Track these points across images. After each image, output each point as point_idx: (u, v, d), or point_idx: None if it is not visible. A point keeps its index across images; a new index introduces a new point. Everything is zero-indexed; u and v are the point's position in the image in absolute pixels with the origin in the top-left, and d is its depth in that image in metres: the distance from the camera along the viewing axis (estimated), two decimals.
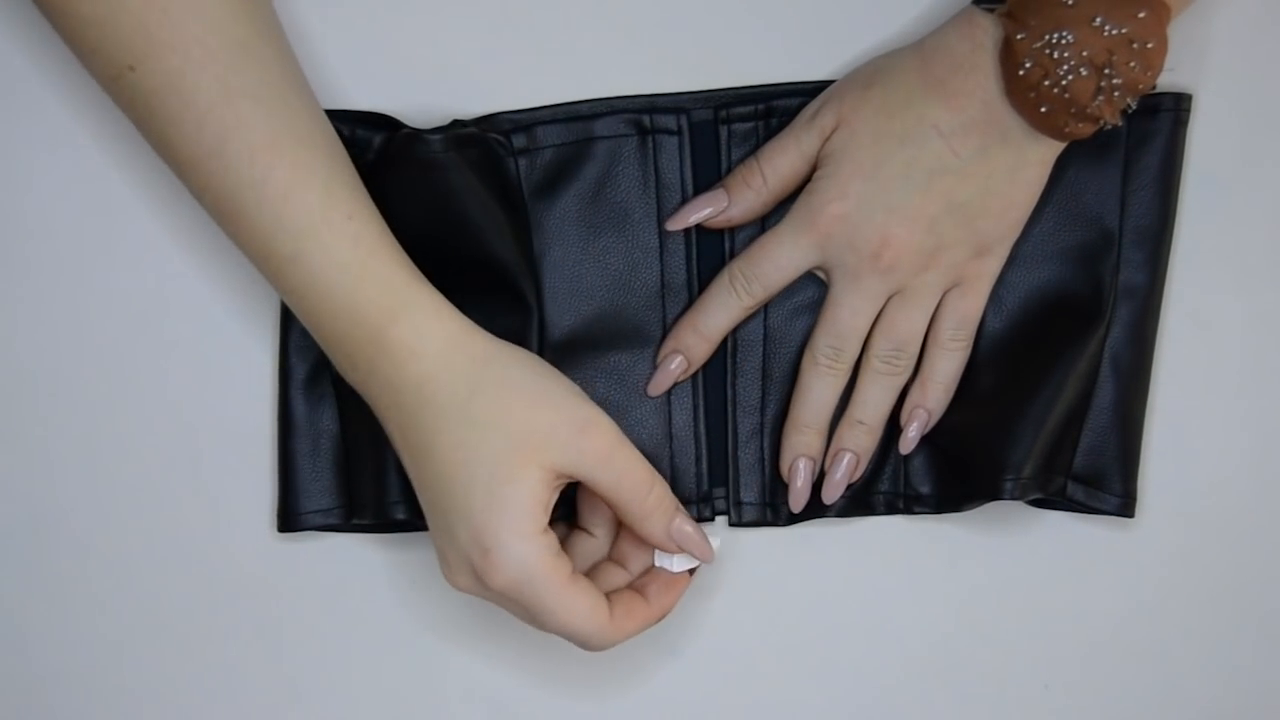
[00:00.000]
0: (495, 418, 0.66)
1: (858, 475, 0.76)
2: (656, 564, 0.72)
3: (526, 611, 0.67)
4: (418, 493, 0.68)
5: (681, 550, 0.71)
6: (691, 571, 0.73)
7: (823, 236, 0.72)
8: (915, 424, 0.75)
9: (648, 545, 0.72)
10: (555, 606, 0.67)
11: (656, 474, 0.69)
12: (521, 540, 0.66)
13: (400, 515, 0.73)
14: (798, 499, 0.76)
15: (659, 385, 0.76)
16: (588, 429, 0.67)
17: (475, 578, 0.67)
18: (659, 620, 0.71)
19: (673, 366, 0.75)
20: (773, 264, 0.73)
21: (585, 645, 0.69)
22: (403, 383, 0.66)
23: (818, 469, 0.76)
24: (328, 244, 0.65)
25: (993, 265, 0.73)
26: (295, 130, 0.66)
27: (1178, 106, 0.75)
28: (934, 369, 0.74)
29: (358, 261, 0.66)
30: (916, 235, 0.71)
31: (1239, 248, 0.77)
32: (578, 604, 0.67)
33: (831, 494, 0.76)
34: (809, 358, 0.75)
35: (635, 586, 0.72)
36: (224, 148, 0.64)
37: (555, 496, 0.67)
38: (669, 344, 0.75)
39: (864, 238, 0.71)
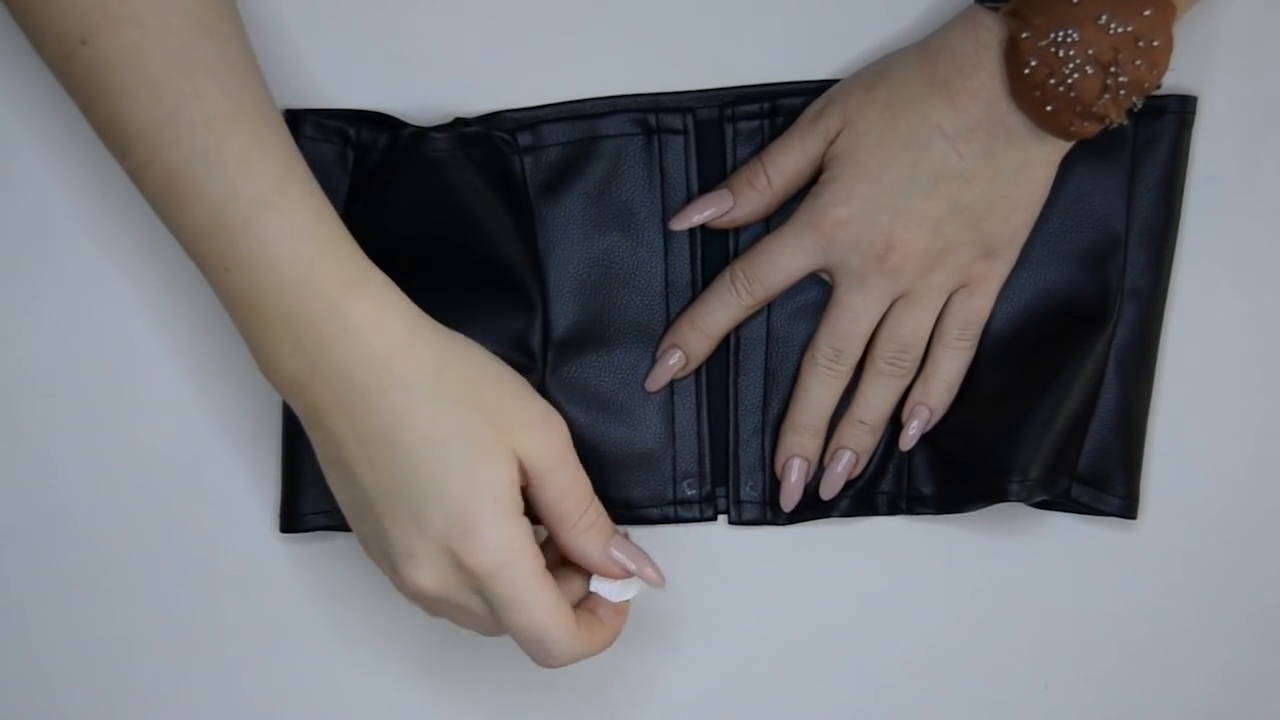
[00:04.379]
0: (467, 396, 0.64)
1: (857, 472, 0.76)
2: (593, 588, 0.69)
3: (498, 602, 0.64)
4: (361, 491, 0.64)
5: (622, 571, 0.68)
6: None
7: (826, 240, 0.72)
8: (917, 421, 0.75)
9: (582, 572, 0.69)
10: (532, 598, 0.64)
11: (591, 490, 0.67)
12: (506, 518, 0.63)
13: None
14: (789, 497, 0.76)
15: (657, 380, 0.76)
16: (550, 422, 0.66)
17: (449, 566, 0.64)
18: (608, 647, 0.68)
19: (671, 362, 0.75)
20: (775, 265, 0.73)
21: (546, 652, 0.65)
22: (363, 361, 0.63)
23: (813, 470, 0.76)
24: (286, 213, 0.63)
25: (1000, 268, 0.73)
26: (253, 106, 0.64)
27: (1183, 108, 0.75)
28: (938, 368, 0.74)
29: (321, 232, 0.63)
30: (922, 238, 0.71)
31: (1242, 249, 0.77)
32: (552, 599, 0.64)
33: (830, 490, 0.76)
34: (809, 359, 0.75)
35: (585, 607, 0.68)
36: (177, 117, 0.62)
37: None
38: (668, 339, 0.75)
39: (869, 241, 0.71)
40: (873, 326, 0.74)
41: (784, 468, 0.76)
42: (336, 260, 0.64)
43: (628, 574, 0.68)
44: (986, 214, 0.71)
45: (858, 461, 0.76)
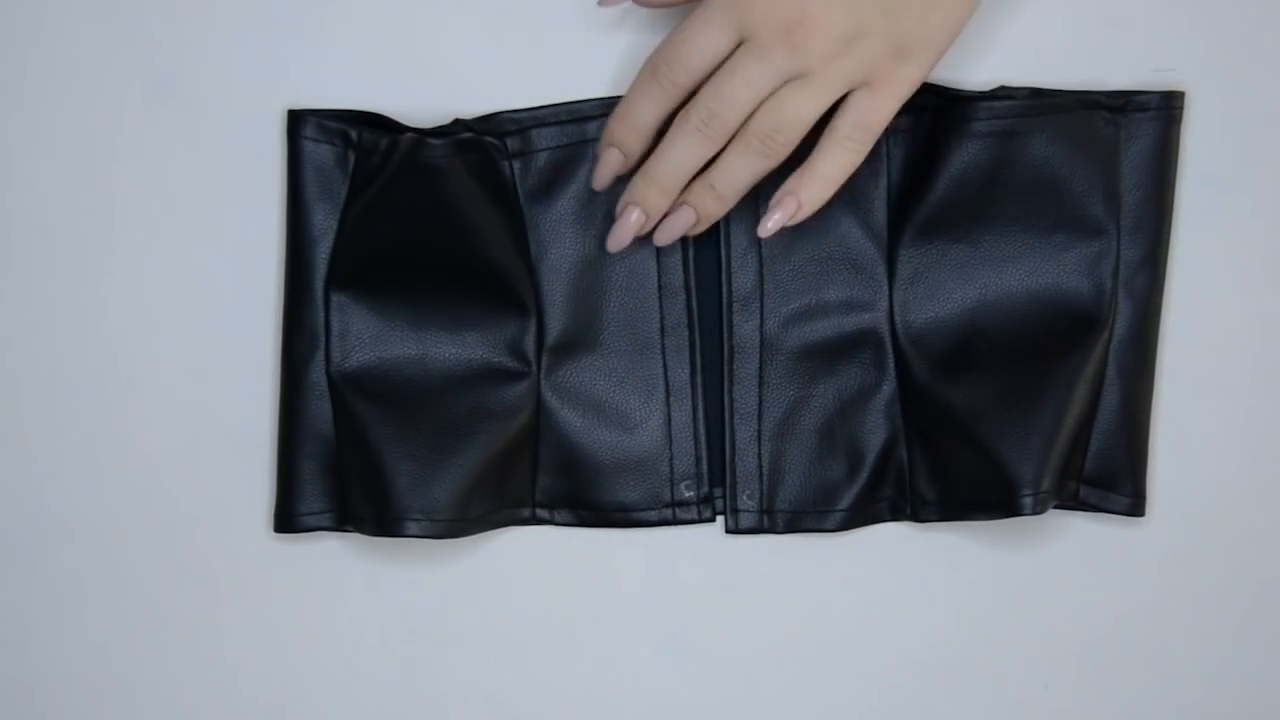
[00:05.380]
0: None
1: (695, 232, 0.73)
2: None
3: None
4: None
5: None
6: None
7: (741, 13, 0.69)
8: (781, 211, 0.71)
9: None
10: None
11: None
12: None
13: (411, 532, 0.73)
14: (617, 240, 0.73)
15: (618, 240, 0.73)
16: None
17: None
18: None
19: (632, 219, 0.72)
20: (694, 48, 0.70)
21: None
22: None
23: (647, 226, 0.73)
24: None
25: (911, 73, 0.70)
26: None
27: (1169, 105, 0.75)
28: (820, 161, 0.71)
29: None
30: (834, 15, 0.68)
31: (1241, 249, 0.77)
32: None
33: (663, 237, 0.73)
34: (682, 116, 0.71)
35: None
36: None
37: None
38: (604, 139, 0.72)
39: (781, 12, 0.68)
40: (758, 100, 0.70)
41: (622, 210, 0.72)
42: None
43: None
44: (903, 6, 0.69)
45: (696, 224, 0.72)
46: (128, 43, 0.76)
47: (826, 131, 0.71)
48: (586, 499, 0.76)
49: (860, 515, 0.77)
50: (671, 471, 0.76)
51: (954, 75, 0.76)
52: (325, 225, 0.74)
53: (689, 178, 0.71)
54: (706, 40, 0.69)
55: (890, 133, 0.75)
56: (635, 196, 0.72)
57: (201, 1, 0.76)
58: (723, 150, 0.71)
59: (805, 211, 0.71)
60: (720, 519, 0.77)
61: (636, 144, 0.72)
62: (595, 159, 0.73)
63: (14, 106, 0.76)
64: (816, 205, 0.71)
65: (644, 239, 0.74)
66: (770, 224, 0.71)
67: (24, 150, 0.76)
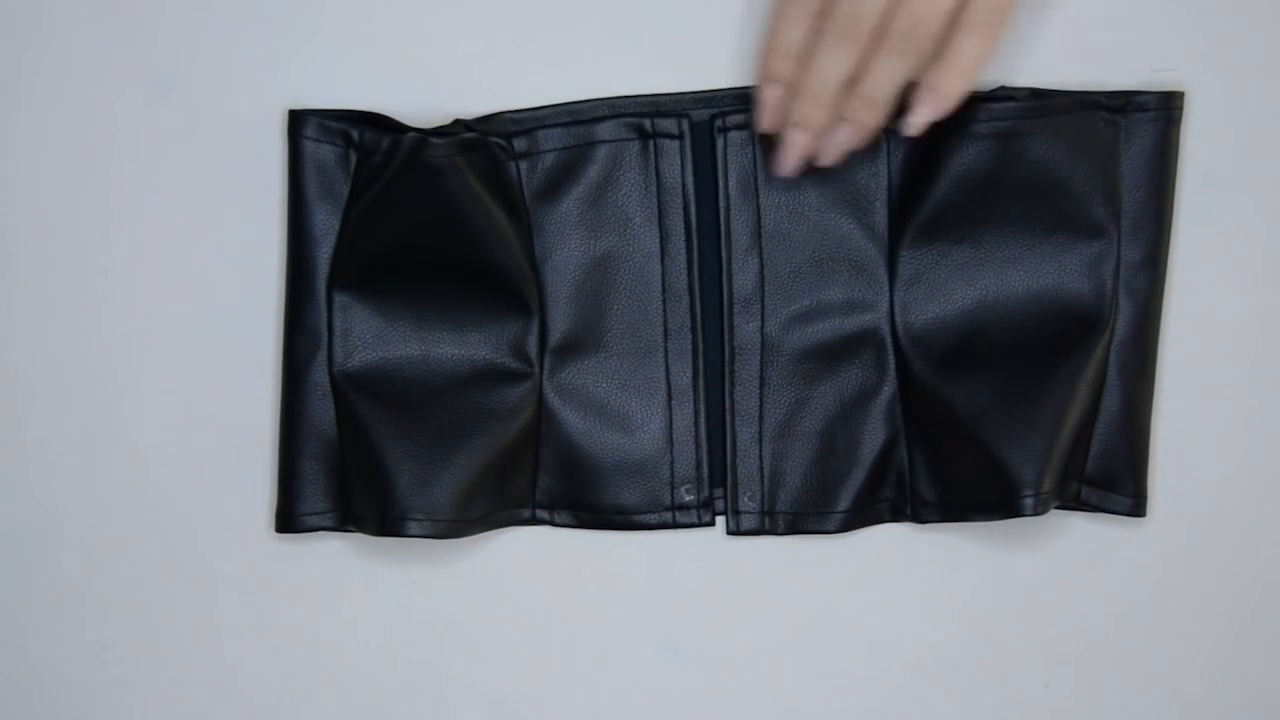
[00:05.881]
0: None
1: (857, 145, 0.74)
2: None
3: None
4: None
5: None
6: None
7: None
8: (925, 107, 0.72)
9: None
10: None
11: None
12: None
13: (413, 532, 0.73)
14: (785, 164, 0.74)
15: (786, 164, 0.74)
16: None
17: None
18: None
19: (797, 139, 0.73)
20: None
21: None
22: None
23: (813, 144, 0.74)
24: None
25: None
26: None
27: (1169, 105, 0.75)
28: (956, 51, 0.71)
29: None
30: None
31: (1241, 249, 0.77)
32: None
33: (827, 157, 0.74)
34: (822, 30, 0.71)
35: None
36: None
37: None
38: (760, 76, 0.73)
39: None
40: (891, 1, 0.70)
41: (790, 133, 0.73)
42: None
43: None
44: None
45: (856, 136, 0.73)
46: (127, 43, 0.76)
47: (959, 21, 0.71)
48: (587, 501, 0.76)
49: (861, 516, 0.77)
50: (672, 475, 0.76)
51: None
52: (327, 225, 0.74)
53: (840, 87, 0.72)
54: None
55: (890, 133, 0.75)
56: (795, 117, 0.73)
57: (201, 1, 0.76)
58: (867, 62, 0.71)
59: (949, 104, 0.72)
60: (720, 523, 0.77)
61: (792, 69, 0.72)
62: (782, 146, 0.73)
63: (14, 106, 0.76)
64: (958, 96, 0.72)
65: (647, 240, 0.74)
66: (915, 124, 0.72)
67: (24, 150, 0.76)
